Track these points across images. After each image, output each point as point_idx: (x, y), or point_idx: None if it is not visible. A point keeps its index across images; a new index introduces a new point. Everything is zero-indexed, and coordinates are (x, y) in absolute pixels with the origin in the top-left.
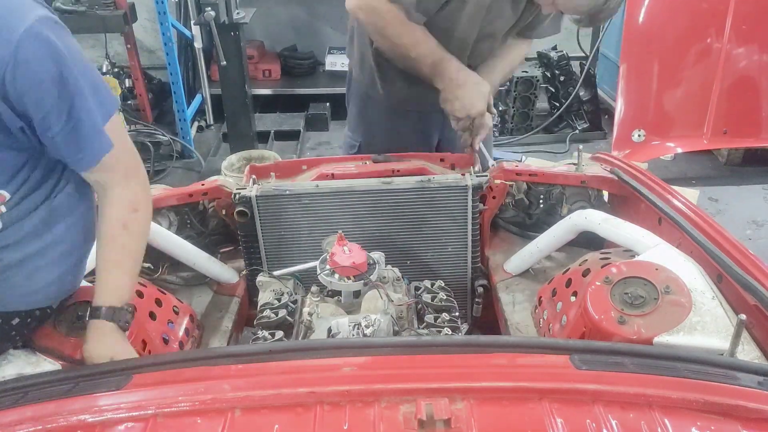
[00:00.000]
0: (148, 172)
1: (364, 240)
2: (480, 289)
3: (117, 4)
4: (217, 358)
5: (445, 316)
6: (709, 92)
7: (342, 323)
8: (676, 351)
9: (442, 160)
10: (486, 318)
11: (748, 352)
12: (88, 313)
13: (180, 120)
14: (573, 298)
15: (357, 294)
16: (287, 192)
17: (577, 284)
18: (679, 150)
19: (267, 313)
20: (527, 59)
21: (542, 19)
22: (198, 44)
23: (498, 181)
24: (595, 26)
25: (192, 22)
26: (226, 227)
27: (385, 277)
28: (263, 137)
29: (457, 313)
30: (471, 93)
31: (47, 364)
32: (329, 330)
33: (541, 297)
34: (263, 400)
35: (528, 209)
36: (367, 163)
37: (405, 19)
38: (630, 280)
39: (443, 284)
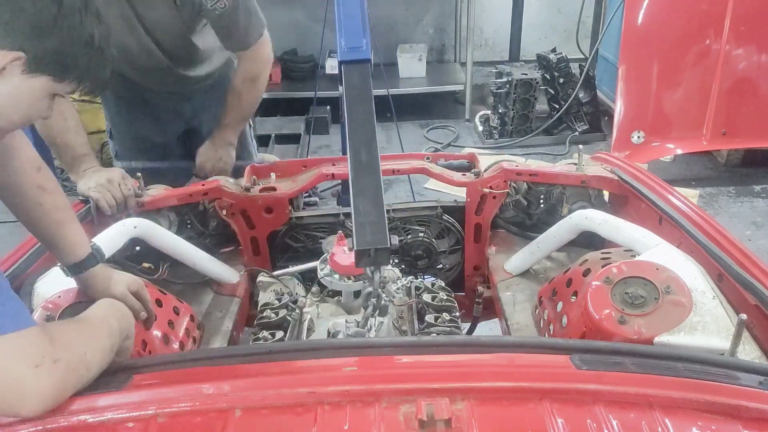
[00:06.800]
0: None
1: None
2: (480, 289)
3: None
4: (217, 358)
5: (445, 315)
6: (708, 93)
7: (342, 323)
8: (676, 351)
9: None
10: (486, 318)
11: (748, 352)
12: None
13: None
14: (573, 298)
15: (357, 294)
16: None
17: (577, 284)
18: (679, 151)
19: (267, 313)
20: (527, 61)
21: (224, 19)
22: None
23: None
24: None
25: None
26: (226, 227)
27: (385, 277)
28: (264, 141)
29: (457, 313)
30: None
31: None
32: (329, 330)
33: (541, 297)
34: (263, 400)
35: (528, 209)
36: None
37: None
38: (630, 279)
39: (443, 284)
